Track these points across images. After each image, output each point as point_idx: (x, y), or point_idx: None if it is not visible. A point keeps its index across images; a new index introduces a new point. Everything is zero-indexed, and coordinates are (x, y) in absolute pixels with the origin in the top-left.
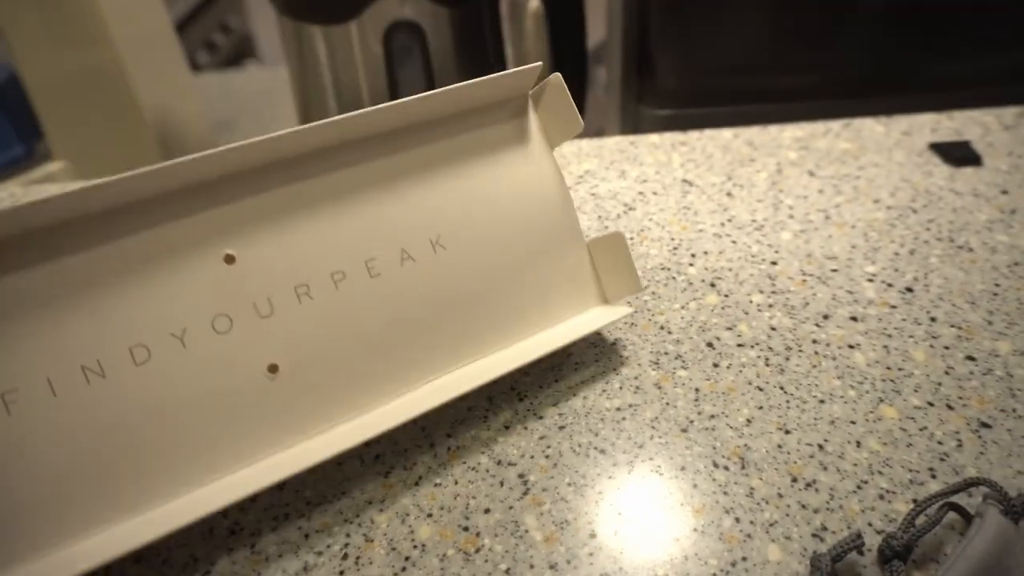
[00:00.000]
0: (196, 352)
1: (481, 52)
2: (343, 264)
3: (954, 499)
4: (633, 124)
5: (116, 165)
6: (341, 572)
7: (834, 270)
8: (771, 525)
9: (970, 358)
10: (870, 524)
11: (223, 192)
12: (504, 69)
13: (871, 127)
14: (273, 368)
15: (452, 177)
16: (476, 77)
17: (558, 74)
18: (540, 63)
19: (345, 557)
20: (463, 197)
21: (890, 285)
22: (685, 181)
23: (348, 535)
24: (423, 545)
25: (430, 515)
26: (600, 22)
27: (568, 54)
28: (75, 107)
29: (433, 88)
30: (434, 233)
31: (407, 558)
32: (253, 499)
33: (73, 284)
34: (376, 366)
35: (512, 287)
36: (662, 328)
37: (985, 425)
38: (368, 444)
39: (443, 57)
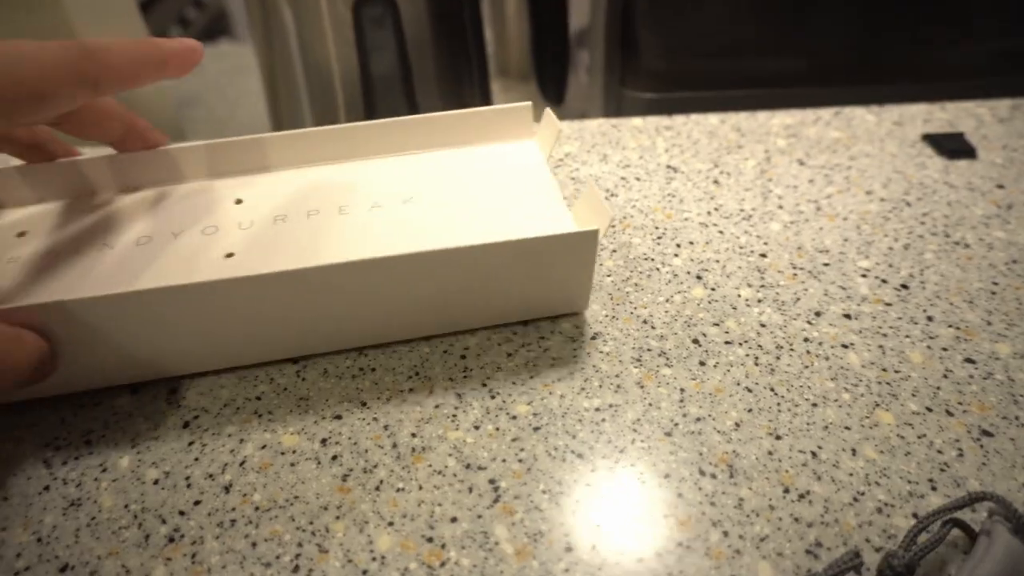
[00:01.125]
0: (181, 242)
1: (458, 28)
2: (319, 206)
3: (957, 515)
4: (616, 107)
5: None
6: None
7: (826, 264)
8: (762, 540)
9: (969, 360)
10: (867, 540)
11: (242, 163)
12: (482, 49)
13: (862, 116)
14: (229, 255)
15: (429, 161)
16: (451, 51)
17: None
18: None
19: (296, 569)
20: (434, 174)
21: (884, 281)
22: (670, 167)
23: (300, 545)
24: (383, 557)
25: (391, 524)
26: (584, 2)
27: (550, 35)
28: None
29: (407, 59)
30: (407, 195)
31: (364, 572)
32: (196, 502)
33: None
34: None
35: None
36: (645, 322)
37: (987, 433)
38: (325, 443)
39: (417, 30)
